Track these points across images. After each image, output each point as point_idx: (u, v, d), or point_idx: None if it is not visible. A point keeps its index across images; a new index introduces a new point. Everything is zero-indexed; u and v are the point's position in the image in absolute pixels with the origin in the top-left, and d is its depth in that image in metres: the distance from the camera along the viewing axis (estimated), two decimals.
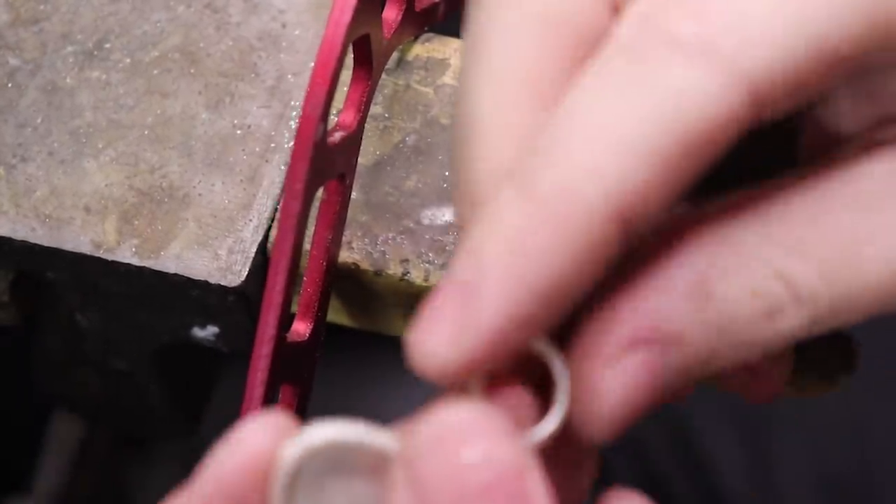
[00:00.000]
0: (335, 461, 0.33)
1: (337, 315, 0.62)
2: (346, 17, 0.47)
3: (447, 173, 0.60)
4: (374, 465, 0.34)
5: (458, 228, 0.39)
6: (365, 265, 0.59)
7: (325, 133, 0.49)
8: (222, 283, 0.59)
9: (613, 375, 0.35)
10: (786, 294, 0.35)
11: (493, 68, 0.38)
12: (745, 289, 0.35)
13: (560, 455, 0.37)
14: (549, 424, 0.35)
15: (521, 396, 0.36)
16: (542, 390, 0.37)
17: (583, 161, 0.34)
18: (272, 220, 0.60)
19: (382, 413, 0.51)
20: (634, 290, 0.35)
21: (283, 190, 0.52)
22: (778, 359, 0.45)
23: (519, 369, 0.37)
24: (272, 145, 0.62)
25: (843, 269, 0.35)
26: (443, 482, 0.32)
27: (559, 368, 0.36)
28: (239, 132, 0.62)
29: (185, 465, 0.86)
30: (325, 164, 0.51)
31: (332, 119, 0.56)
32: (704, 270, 0.35)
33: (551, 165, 0.34)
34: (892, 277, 0.35)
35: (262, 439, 0.34)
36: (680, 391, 0.37)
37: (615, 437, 0.35)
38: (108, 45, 0.64)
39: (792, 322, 0.35)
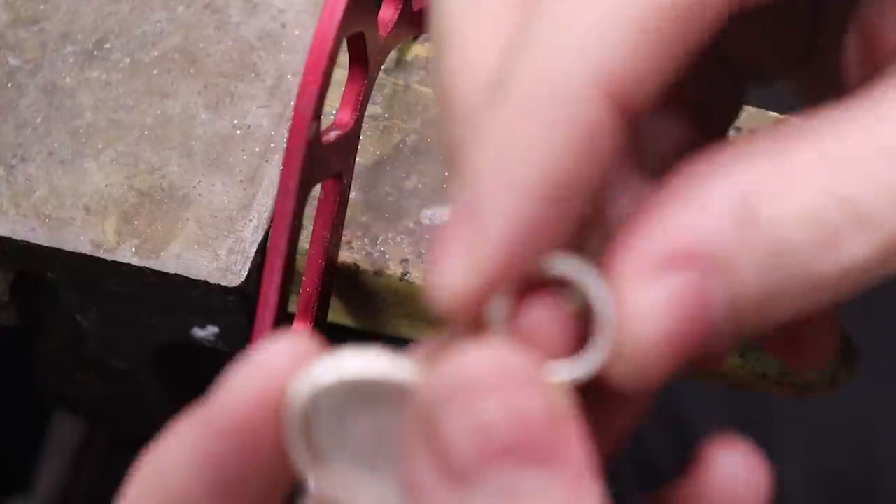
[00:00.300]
0: (354, 393, 0.31)
1: (337, 315, 0.62)
2: (337, 14, 0.47)
3: (447, 174, 0.60)
4: (396, 396, 0.31)
5: (447, 157, 0.36)
6: (365, 265, 0.59)
7: (319, 131, 0.49)
8: (222, 284, 0.59)
9: (654, 293, 0.30)
10: (846, 217, 0.31)
11: None
12: (798, 210, 0.31)
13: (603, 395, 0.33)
14: (591, 360, 0.31)
15: (551, 334, 0.32)
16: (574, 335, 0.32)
17: (562, 45, 0.31)
18: (272, 220, 0.60)
19: None
20: (667, 208, 0.31)
21: (277, 189, 0.52)
22: (825, 323, 0.42)
23: (545, 306, 0.33)
24: (272, 145, 0.62)
25: None
26: (464, 440, 0.29)
27: (596, 288, 0.31)
28: (239, 132, 0.62)
29: None
30: (320, 162, 0.51)
31: (330, 118, 0.56)
32: (748, 189, 0.31)
33: (529, 58, 0.31)
34: None
35: (282, 363, 0.32)
36: (730, 341, 0.32)
37: (660, 383, 0.31)
38: (107, 46, 0.64)
39: (856, 251, 0.31)
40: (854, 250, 0.31)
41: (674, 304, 0.30)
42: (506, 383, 0.29)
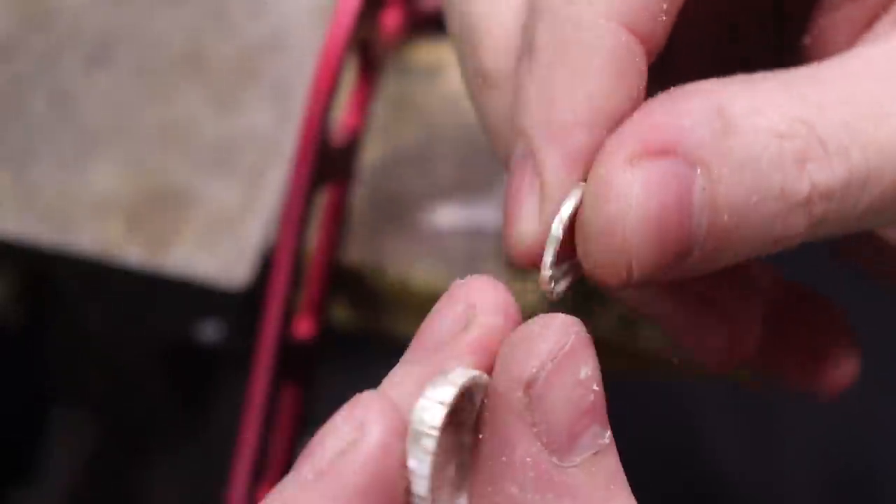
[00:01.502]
0: (452, 416, 0.31)
1: (338, 315, 0.63)
2: (347, 21, 0.48)
3: (449, 175, 0.60)
4: (465, 406, 0.32)
5: (477, 110, 0.37)
6: (367, 265, 0.60)
7: (328, 135, 0.50)
8: (226, 284, 0.59)
9: (634, 173, 0.33)
10: (812, 139, 0.34)
11: None
12: (768, 126, 0.33)
13: None
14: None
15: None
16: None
17: None
18: (275, 222, 0.61)
19: None
20: (650, 109, 0.34)
21: (286, 191, 0.53)
22: (845, 342, 0.44)
23: None
24: (275, 147, 0.62)
25: (866, 122, 0.34)
26: (563, 403, 0.31)
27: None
28: (243, 135, 0.63)
29: (185, 464, 0.87)
30: (328, 165, 0.52)
31: (335, 122, 0.56)
32: (724, 103, 0.34)
33: (545, 9, 0.34)
34: None
35: (384, 429, 0.31)
36: (721, 243, 0.34)
37: (647, 272, 0.33)
38: (114, 50, 0.65)
39: (827, 172, 0.34)
40: (825, 172, 0.34)
41: (653, 184, 0.33)
42: (588, 348, 0.31)
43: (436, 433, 0.31)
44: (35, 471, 0.86)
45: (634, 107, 0.33)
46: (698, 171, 0.33)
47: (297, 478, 0.31)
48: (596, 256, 0.33)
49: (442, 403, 0.31)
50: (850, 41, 0.38)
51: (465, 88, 0.39)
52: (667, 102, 0.34)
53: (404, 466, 0.31)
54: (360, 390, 0.33)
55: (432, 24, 0.62)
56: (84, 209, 0.61)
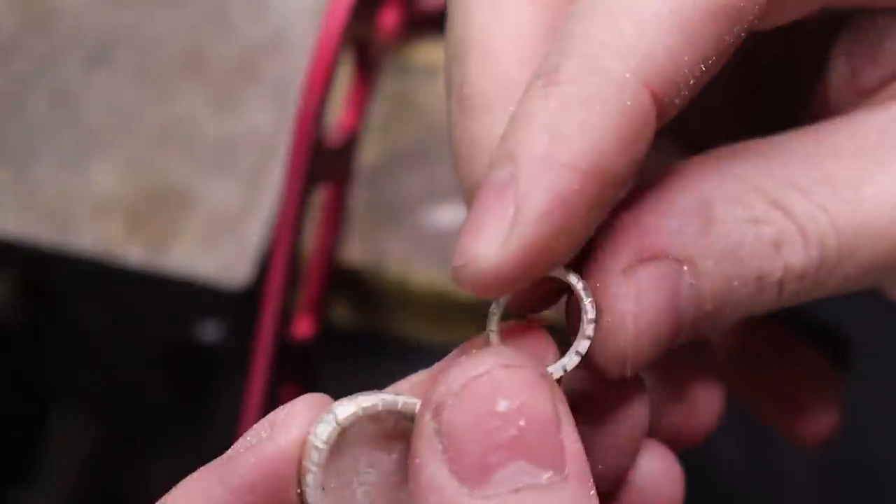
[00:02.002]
0: (362, 433, 0.32)
1: (338, 315, 0.63)
2: (340, 19, 0.48)
3: (449, 175, 0.60)
4: (400, 431, 0.33)
5: (455, 140, 0.37)
6: (365, 265, 0.60)
7: (322, 134, 0.50)
8: (226, 283, 0.59)
9: (629, 285, 0.34)
10: (788, 225, 0.35)
11: None
12: (745, 214, 0.35)
13: (598, 405, 0.36)
14: (579, 349, 0.34)
15: (540, 338, 0.34)
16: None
17: (607, 37, 0.33)
18: (275, 221, 0.61)
19: None
20: (639, 212, 0.35)
21: (281, 190, 0.53)
22: (826, 394, 0.45)
23: (535, 306, 0.35)
24: (275, 147, 0.62)
25: (843, 205, 0.35)
26: (471, 431, 0.30)
27: (582, 288, 0.34)
28: (243, 135, 0.63)
29: (185, 464, 0.87)
30: (324, 164, 0.52)
31: (333, 121, 0.56)
32: (705, 196, 0.35)
33: (576, 49, 0.33)
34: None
35: (307, 421, 0.32)
36: (703, 323, 0.35)
37: (641, 366, 0.34)
38: (114, 50, 0.65)
39: (801, 255, 0.35)
40: (800, 254, 0.35)
41: (646, 294, 0.34)
42: (517, 380, 0.31)
43: (324, 447, 0.32)
44: (35, 471, 0.86)
45: (631, 172, 0.33)
46: (685, 268, 0.34)
47: (217, 459, 0.33)
48: (592, 357, 0.34)
49: (337, 422, 0.32)
50: (859, 99, 0.39)
51: (446, 104, 0.39)
52: (654, 201, 0.35)
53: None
54: (359, 390, 0.34)
55: (432, 24, 0.62)
56: (84, 209, 0.61)
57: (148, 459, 0.90)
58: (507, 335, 0.34)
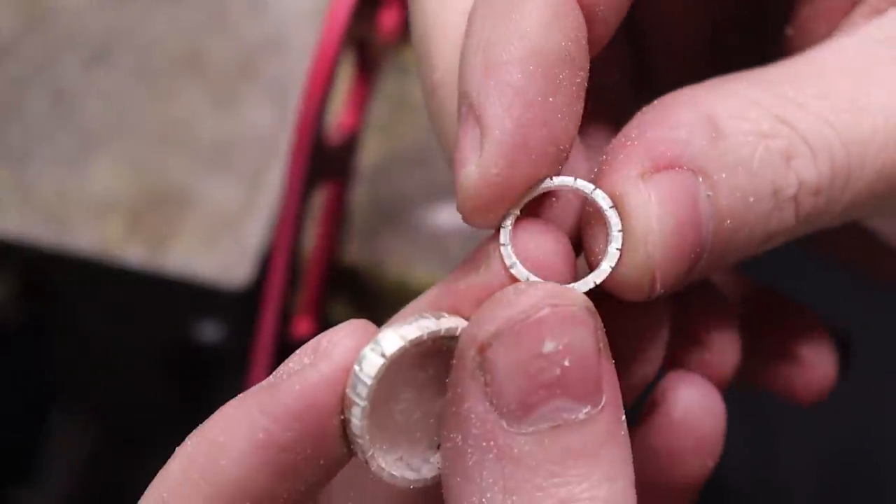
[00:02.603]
0: (402, 359, 0.31)
1: (337, 315, 0.63)
2: (341, 19, 0.48)
3: (449, 175, 0.60)
4: (436, 349, 0.32)
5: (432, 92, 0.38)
6: (365, 265, 0.60)
7: (323, 134, 0.50)
8: (225, 283, 0.59)
9: (649, 189, 0.33)
10: (796, 138, 0.34)
11: None
12: (752, 128, 0.34)
13: (627, 331, 0.36)
14: (609, 262, 0.33)
15: (555, 240, 0.34)
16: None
17: None
18: (275, 221, 0.61)
19: None
20: (646, 127, 0.34)
21: (282, 189, 0.53)
22: (820, 344, 0.44)
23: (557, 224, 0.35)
24: (274, 147, 0.62)
25: (845, 115, 0.35)
26: (515, 371, 0.30)
27: (600, 196, 0.33)
28: (242, 135, 0.63)
29: None
30: (324, 164, 0.52)
31: (333, 121, 0.56)
32: (710, 110, 0.34)
33: None
34: None
35: (350, 349, 0.32)
36: (724, 245, 0.34)
37: (670, 282, 0.33)
38: (113, 50, 0.65)
39: (812, 169, 0.35)
40: (811, 166, 0.35)
41: (667, 199, 0.33)
42: (565, 323, 0.31)
43: (372, 382, 0.31)
44: (35, 471, 0.86)
45: (573, 52, 0.34)
46: (700, 179, 0.34)
47: (256, 386, 0.32)
48: (620, 271, 0.33)
49: (384, 356, 0.31)
50: (830, 30, 0.39)
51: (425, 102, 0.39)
52: (659, 115, 0.34)
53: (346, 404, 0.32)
54: None
55: None
56: (84, 209, 0.61)
57: (148, 459, 0.90)
58: (519, 242, 0.33)
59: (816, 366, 0.45)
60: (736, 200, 0.34)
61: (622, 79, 0.43)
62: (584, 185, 0.33)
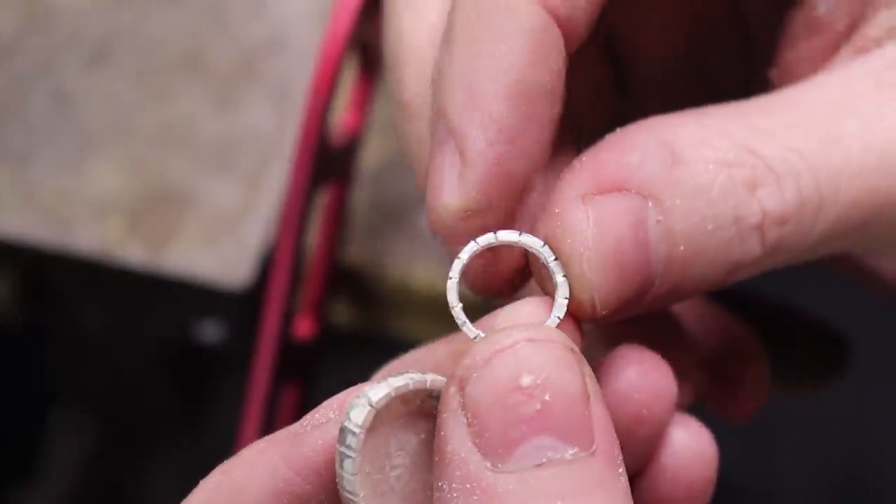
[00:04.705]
0: (392, 415, 0.32)
1: (339, 315, 0.63)
2: (346, 21, 0.48)
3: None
4: (426, 410, 0.32)
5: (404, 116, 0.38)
6: (367, 265, 0.60)
7: (327, 134, 0.50)
8: (226, 283, 0.59)
9: (587, 209, 0.33)
10: (761, 167, 0.34)
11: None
12: (714, 156, 0.34)
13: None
14: (557, 311, 0.33)
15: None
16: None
17: None
18: (276, 221, 0.61)
19: None
20: (599, 149, 0.34)
21: (285, 191, 0.53)
22: (756, 373, 0.45)
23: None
24: (275, 147, 0.62)
25: (817, 144, 0.34)
26: (494, 405, 0.30)
27: (531, 240, 0.34)
28: (242, 135, 0.63)
29: (185, 464, 0.87)
30: (327, 164, 0.52)
31: (335, 121, 0.56)
32: (668, 138, 0.34)
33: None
34: (874, 156, 0.34)
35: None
36: (683, 271, 0.34)
37: (613, 303, 0.33)
38: (114, 50, 0.65)
39: (777, 196, 0.34)
40: (770, 199, 0.34)
41: (606, 218, 0.33)
42: (544, 358, 0.30)
43: (360, 431, 0.31)
44: (35, 471, 0.86)
45: (553, 85, 0.34)
46: (650, 203, 0.33)
47: (282, 431, 0.33)
48: (575, 298, 0.33)
49: (371, 405, 0.31)
50: (814, 71, 0.38)
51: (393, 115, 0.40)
52: (614, 139, 0.35)
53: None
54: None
55: None
56: (84, 209, 0.61)
57: (148, 459, 0.90)
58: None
59: (754, 387, 0.45)
60: (691, 227, 0.34)
61: (599, 102, 0.44)
62: (531, 241, 0.34)
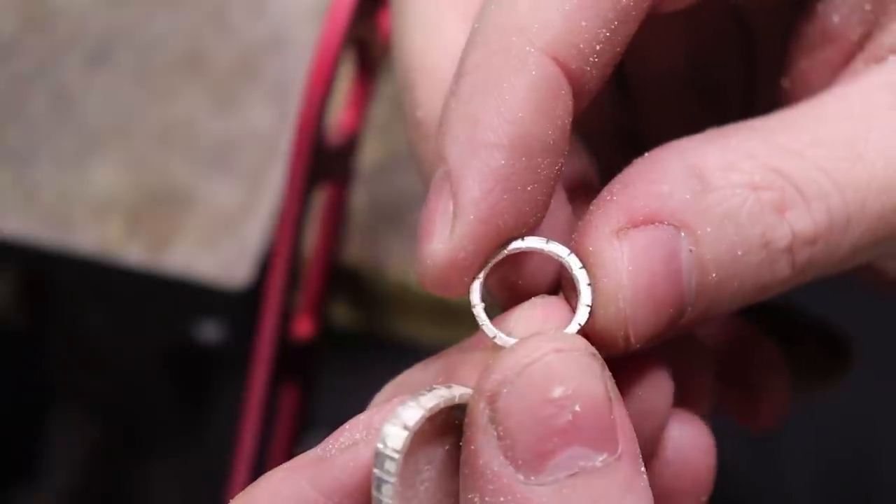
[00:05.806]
0: (421, 432, 0.31)
1: (338, 315, 0.63)
2: (341, 20, 0.48)
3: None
4: (450, 423, 0.32)
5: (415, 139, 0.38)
6: (365, 265, 0.60)
7: (323, 134, 0.50)
8: (226, 284, 0.59)
9: (622, 246, 0.33)
10: (789, 189, 0.34)
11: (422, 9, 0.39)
12: (742, 179, 0.34)
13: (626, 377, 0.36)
14: (579, 320, 0.33)
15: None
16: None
17: (503, 18, 0.34)
18: (276, 221, 0.61)
19: None
20: (629, 180, 0.34)
21: (282, 190, 0.53)
22: (777, 378, 0.45)
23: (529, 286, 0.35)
24: (274, 148, 0.62)
25: (841, 162, 0.34)
26: (527, 419, 0.30)
27: (568, 256, 0.34)
28: (242, 135, 0.63)
29: (184, 463, 0.87)
30: (324, 164, 0.52)
31: (333, 121, 0.56)
32: (696, 164, 0.34)
33: (478, 37, 0.34)
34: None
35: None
36: (713, 298, 0.34)
37: (645, 335, 0.33)
38: (114, 50, 0.65)
39: (807, 218, 0.34)
40: (799, 221, 0.34)
41: (640, 255, 0.33)
42: (572, 368, 0.30)
43: (399, 456, 0.31)
44: (35, 471, 0.86)
45: (557, 141, 0.34)
46: (682, 234, 0.33)
47: (306, 455, 0.32)
48: (594, 327, 0.33)
49: (406, 428, 0.31)
50: (829, 81, 0.39)
51: (405, 131, 0.40)
52: (643, 168, 0.34)
53: None
54: (360, 390, 0.33)
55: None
56: (84, 209, 0.61)
57: (147, 459, 0.90)
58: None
59: (774, 399, 0.45)
60: (722, 254, 0.34)
61: (609, 127, 0.43)
62: (557, 248, 0.33)
